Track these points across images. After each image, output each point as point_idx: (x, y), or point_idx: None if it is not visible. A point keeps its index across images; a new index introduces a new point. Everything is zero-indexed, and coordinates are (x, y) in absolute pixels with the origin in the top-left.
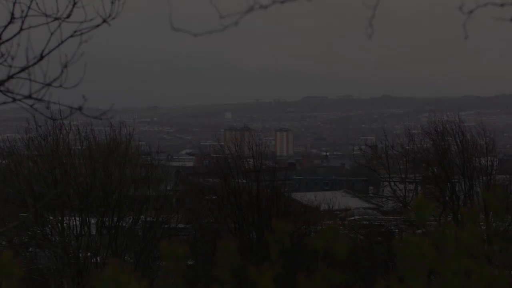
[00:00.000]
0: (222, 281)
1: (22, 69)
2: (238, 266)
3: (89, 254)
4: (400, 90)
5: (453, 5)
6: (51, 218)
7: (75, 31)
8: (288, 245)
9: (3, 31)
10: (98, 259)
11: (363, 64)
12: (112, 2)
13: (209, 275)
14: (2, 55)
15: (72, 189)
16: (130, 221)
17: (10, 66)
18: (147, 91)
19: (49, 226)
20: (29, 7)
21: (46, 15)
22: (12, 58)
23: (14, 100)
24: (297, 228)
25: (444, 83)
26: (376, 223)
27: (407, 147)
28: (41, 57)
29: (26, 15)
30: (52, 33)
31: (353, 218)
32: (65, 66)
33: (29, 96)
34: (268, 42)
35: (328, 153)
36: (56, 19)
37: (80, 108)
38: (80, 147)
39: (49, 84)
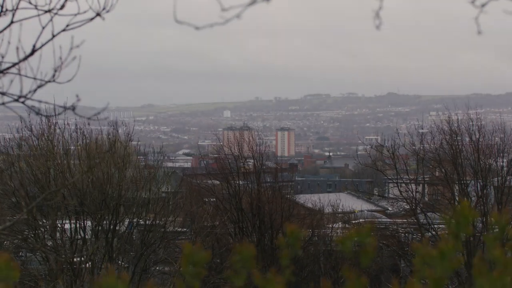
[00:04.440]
0: (236, 286)
1: (13, 64)
2: (255, 271)
3: (83, 258)
4: (406, 88)
5: (461, 1)
6: (44, 221)
7: (67, 25)
8: (300, 252)
9: None
10: (93, 264)
11: (368, 61)
12: None
13: (209, 280)
14: None
15: (67, 190)
16: (127, 224)
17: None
18: (142, 90)
19: (42, 229)
20: None
21: (37, 8)
22: (3, 57)
23: (3, 103)
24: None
25: (451, 80)
26: (382, 226)
27: (416, 147)
28: (33, 52)
29: (17, 8)
30: (43, 27)
31: (358, 221)
32: (56, 70)
33: (19, 97)
34: (269, 39)
35: (331, 153)
36: (47, 11)
37: (73, 108)
38: (75, 146)
39: (43, 85)
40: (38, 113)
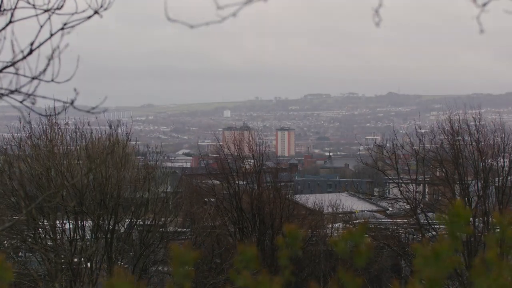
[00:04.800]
0: (239, 286)
1: (11, 64)
2: (257, 271)
3: (82, 259)
4: (406, 87)
5: (462, 0)
6: (45, 222)
7: (65, 23)
8: (300, 252)
9: None
10: (93, 265)
11: (368, 61)
12: None
13: (208, 281)
14: None
15: (67, 191)
16: (127, 224)
17: None
18: (141, 89)
19: (42, 229)
20: None
21: (36, 7)
22: None
23: (0, 96)
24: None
25: (451, 80)
26: (382, 226)
27: (416, 147)
28: (31, 50)
29: (16, 7)
30: (41, 26)
31: (358, 221)
32: (50, 58)
33: (16, 91)
34: (269, 39)
35: (331, 153)
36: (46, 11)
37: (72, 102)
38: (76, 147)
39: (35, 78)
40: (33, 103)
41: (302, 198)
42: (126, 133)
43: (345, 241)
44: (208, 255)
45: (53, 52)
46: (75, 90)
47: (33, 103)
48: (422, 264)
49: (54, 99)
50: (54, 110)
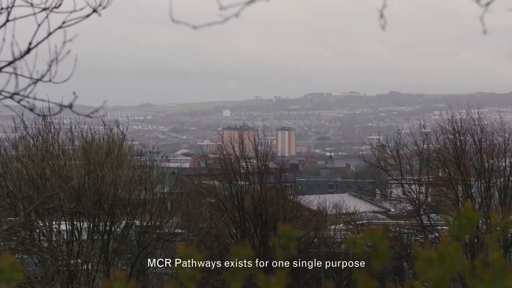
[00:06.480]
0: None
1: (8, 63)
2: (253, 273)
3: (79, 260)
4: (408, 86)
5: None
6: (40, 223)
7: (63, 22)
8: (295, 252)
9: None
10: (89, 266)
11: (369, 60)
12: None
13: (207, 281)
14: None
15: (64, 192)
16: (123, 225)
17: None
18: (140, 89)
19: (38, 231)
20: None
21: (33, 6)
22: None
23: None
24: (305, 234)
25: (454, 79)
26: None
27: (419, 147)
28: (28, 50)
29: (13, 5)
30: (39, 25)
31: (361, 222)
32: (50, 65)
33: (13, 94)
34: (270, 38)
35: (332, 154)
36: (44, 9)
37: (70, 106)
38: (72, 147)
39: (36, 82)
40: (32, 109)
41: (305, 199)
42: (122, 133)
43: (364, 242)
44: (207, 255)
45: (51, 61)
46: (74, 93)
47: (31, 109)
48: (426, 266)
49: (54, 103)
50: (51, 109)
